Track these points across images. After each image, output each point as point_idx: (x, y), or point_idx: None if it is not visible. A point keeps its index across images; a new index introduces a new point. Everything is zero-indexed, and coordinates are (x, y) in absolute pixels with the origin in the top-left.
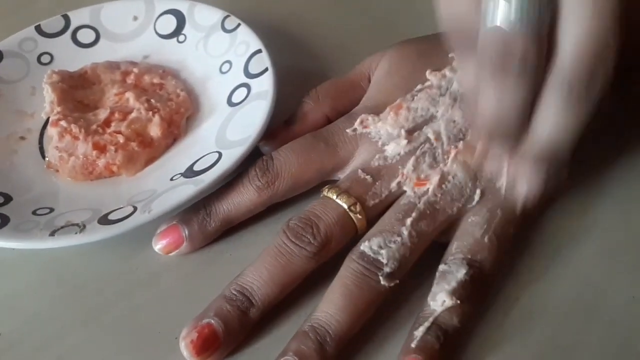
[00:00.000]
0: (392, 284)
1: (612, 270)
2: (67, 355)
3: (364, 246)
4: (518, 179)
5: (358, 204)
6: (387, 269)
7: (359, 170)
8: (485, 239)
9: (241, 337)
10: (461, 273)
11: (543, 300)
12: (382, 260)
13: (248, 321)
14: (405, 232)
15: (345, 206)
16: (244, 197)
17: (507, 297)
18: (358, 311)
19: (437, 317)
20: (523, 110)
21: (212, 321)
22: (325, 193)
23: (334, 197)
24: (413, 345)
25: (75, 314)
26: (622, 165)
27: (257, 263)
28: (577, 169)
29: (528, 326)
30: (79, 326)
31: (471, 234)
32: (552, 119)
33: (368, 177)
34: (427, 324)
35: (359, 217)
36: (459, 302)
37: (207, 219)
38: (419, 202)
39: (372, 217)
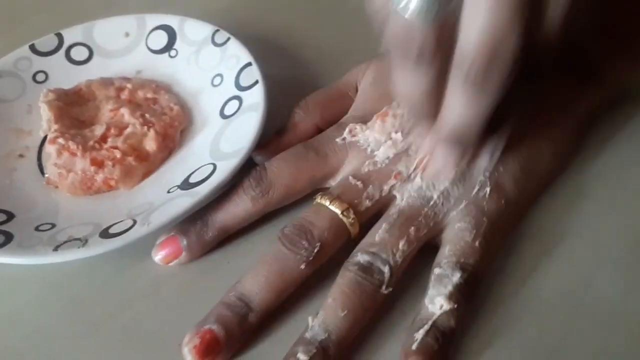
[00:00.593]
0: (387, 291)
1: (602, 265)
2: None
3: (360, 257)
4: (430, 158)
5: (350, 209)
6: (382, 278)
7: (350, 177)
8: (477, 244)
9: (242, 341)
10: (456, 277)
11: (532, 296)
12: (377, 269)
13: (248, 326)
14: (399, 243)
15: (338, 212)
16: (240, 207)
17: (497, 294)
18: (357, 318)
19: (435, 320)
20: (428, 94)
21: (214, 327)
22: (318, 200)
23: (327, 203)
24: (414, 347)
25: (79, 325)
26: (608, 161)
27: (254, 270)
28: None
29: (518, 322)
30: (83, 337)
31: (462, 238)
32: (455, 105)
33: (359, 182)
34: (427, 327)
35: (352, 221)
36: (456, 305)
37: (204, 229)
38: (408, 210)
39: (365, 221)
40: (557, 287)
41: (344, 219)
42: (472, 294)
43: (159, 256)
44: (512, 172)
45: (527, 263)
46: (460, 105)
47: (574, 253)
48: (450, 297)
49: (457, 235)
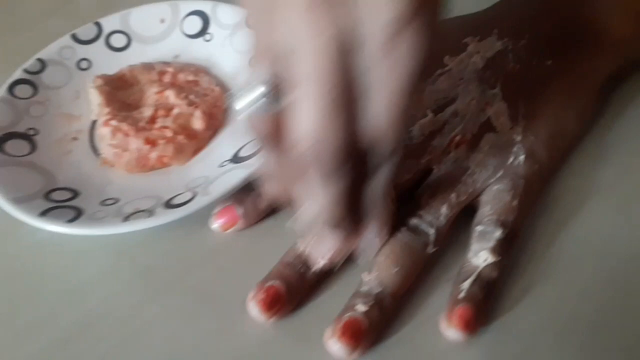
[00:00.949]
0: (433, 250)
1: (624, 220)
2: (146, 327)
3: (408, 219)
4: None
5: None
6: (428, 238)
7: None
8: (514, 203)
9: (302, 295)
10: (497, 233)
11: (562, 249)
12: (423, 231)
13: (306, 282)
14: (442, 207)
15: None
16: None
17: (531, 248)
18: (407, 273)
19: (480, 272)
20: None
21: (276, 283)
22: None
23: None
24: (461, 296)
25: (148, 290)
26: (628, 124)
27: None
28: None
29: (551, 273)
30: (153, 301)
31: (501, 199)
32: (311, 202)
33: None
34: (472, 278)
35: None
36: (498, 258)
37: (259, 198)
38: (448, 178)
39: (404, 192)
40: (584, 241)
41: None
42: (510, 248)
43: (216, 224)
44: (542, 139)
45: (556, 219)
46: (315, 192)
47: (599, 211)
48: (493, 250)
49: (496, 196)
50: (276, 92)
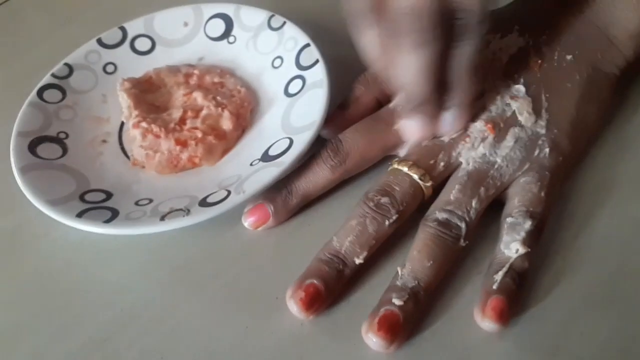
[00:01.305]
0: (464, 244)
1: None
2: (181, 325)
3: (438, 214)
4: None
5: (427, 174)
6: (460, 232)
7: (425, 141)
8: (542, 194)
9: (338, 291)
10: (527, 224)
11: (588, 238)
12: (455, 225)
13: (344, 278)
14: (472, 201)
15: (416, 177)
16: (320, 176)
17: (558, 237)
18: (440, 267)
19: (512, 263)
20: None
21: (315, 281)
22: (395, 166)
23: (405, 169)
24: (494, 287)
25: (182, 289)
26: None
27: (344, 230)
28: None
29: (578, 261)
30: (189, 298)
31: (529, 190)
32: (398, 70)
33: (431, 147)
34: (505, 269)
35: (428, 185)
36: (529, 249)
37: (289, 196)
38: (476, 172)
39: (438, 183)
40: (610, 230)
41: (421, 183)
42: (539, 238)
43: (248, 221)
44: (565, 131)
45: (582, 210)
46: (404, 62)
47: (623, 201)
48: (524, 242)
49: (524, 188)
50: None
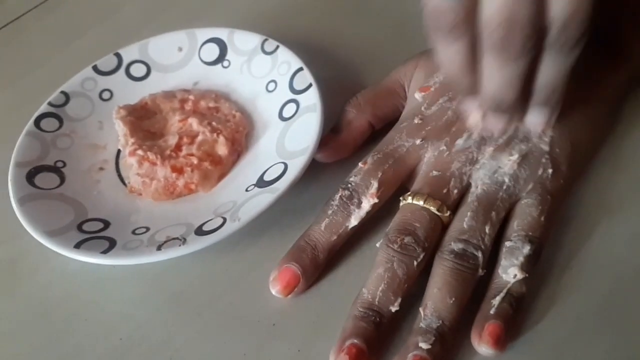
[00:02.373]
0: (483, 273)
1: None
2: (180, 353)
3: (454, 245)
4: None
5: (443, 205)
6: (477, 262)
7: (433, 171)
8: (542, 218)
9: (380, 344)
10: (526, 249)
11: (585, 260)
12: (471, 255)
13: (383, 330)
14: (485, 228)
15: (434, 209)
16: (341, 223)
17: (554, 260)
18: (462, 302)
19: (509, 288)
20: (466, 67)
21: (356, 341)
22: (409, 201)
23: (421, 203)
24: (492, 312)
25: (181, 315)
26: None
27: (373, 279)
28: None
29: (572, 285)
30: (187, 326)
31: (529, 214)
32: (489, 74)
33: (441, 176)
34: (502, 294)
35: (447, 215)
36: (527, 275)
37: (315, 252)
38: (486, 196)
39: (454, 210)
40: (606, 251)
41: (440, 214)
42: (537, 263)
43: (277, 289)
44: (566, 152)
45: (577, 230)
46: (493, 74)
47: (618, 220)
48: (522, 267)
49: (525, 211)
50: None
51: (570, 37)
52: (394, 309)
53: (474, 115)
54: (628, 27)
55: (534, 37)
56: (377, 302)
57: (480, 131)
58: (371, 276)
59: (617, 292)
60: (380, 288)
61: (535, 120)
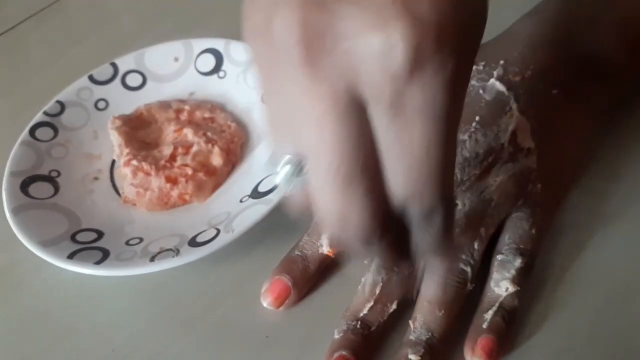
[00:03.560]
0: (472, 287)
1: (634, 244)
2: None
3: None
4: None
5: None
6: (466, 277)
7: None
8: (533, 231)
9: (369, 355)
10: (518, 262)
11: (576, 274)
12: (460, 269)
13: (371, 343)
14: (474, 244)
15: None
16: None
17: (546, 272)
18: (451, 314)
19: (502, 302)
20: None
21: (344, 353)
22: None
23: None
24: (484, 326)
25: (174, 326)
26: (630, 151)
27: (361, 293)
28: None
29: (565, 298)
30: (180, 337)
31: (520, 227)
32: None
33: None
34: (495, 308)
35: None
36: (519, 288)
37: (306, 263)
38: (473, 213)
39: None
40: (598, 264)
41: None
42: (529, 276)
43: (268, 300)
44: (555, 166)
45: (569, 243)
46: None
47: (610, 233)
48: (514, 280)
49: (516, 224)
50: (301, 170)
51: (431, 211)
52: (381, 319)
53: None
54: (613, 43)
55: (383, 225)
56: (365, 315)
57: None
58: (360, 289)
59: (611, 306)
60: (368, 301)
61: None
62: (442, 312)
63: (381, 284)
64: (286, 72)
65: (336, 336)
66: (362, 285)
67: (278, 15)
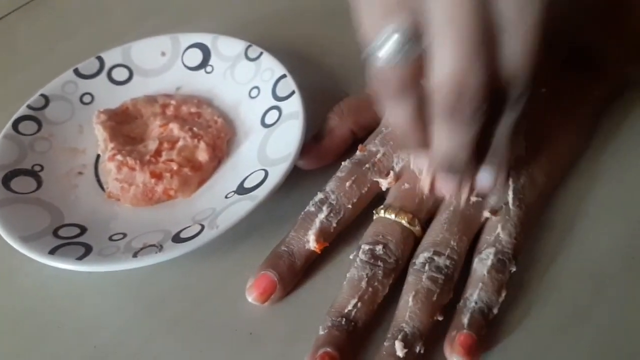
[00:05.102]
0: (453, 285)
1: (618, 243)
2: (157, 359)
3: (427, 256)
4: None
5: (415, 218)
6: (450, 272)
7: (405, 184)
8: (515, 230)
9: (354, 353)
10: (498, 259)
11: (557, 271)
12: (444, 265)
13: (356, 338)
14: (458, 239)
15: (405, 222)
16: (318, 232)
17: (528, 271)
18: (432, 310)
19: (481, 298)
20: (412, 127)
21: (329, 349)
22: (382, 215)
23: (393, 216)
24: (463, 323)
25: (158, 323)
26: (618, 148)
27: (346, 288)
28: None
29: (547, 295)
30: (163, 334)
31: (502, 225)
32: (439, 138)
33: (410, 186)
34: (474, 304)
35: (418, 229)
36: (497, 285)
37: (292, 258)
38: (459, 208)
39: (426, 224)
40: (581, 262)
41: (411, 228)
42: (509, 271)
43: (253, 296)
44: (542, 165)
45: (553, 241)
46: (443, 138)
47: (595, 231)
48: (494, 277)
49: (498, 222)
50: (413, 39)
51: (522, 94)
52: (366, 317)
53: (425, 177)
54: (605, 42)
55: (486, 103)
56: (349, 311)
57: (432, 192)
58: (344, 285)
59: (593, 303)
60: (352, 297)
61: (486, 179)
62: (425, 308)
63: (366, 279)
64: None
65: (321, 332)
66: (347, 281)
67: None
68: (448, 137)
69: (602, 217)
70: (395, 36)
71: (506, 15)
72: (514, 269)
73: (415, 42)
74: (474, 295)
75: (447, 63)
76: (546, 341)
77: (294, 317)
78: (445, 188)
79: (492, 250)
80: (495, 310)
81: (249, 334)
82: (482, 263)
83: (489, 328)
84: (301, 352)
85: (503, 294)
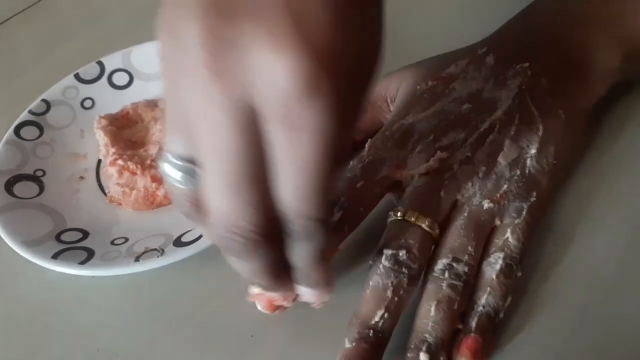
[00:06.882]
0: (470, 291)
1: (619, 247)
2: None
3: (443, 264)
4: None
5: (434, 222)
6: (468, 278)
7: (421, 186)
8: (521, 233)
9: None
10: (504, 263)
11: (559, 275)
12: (462, 271)
13: (382, 349)
14: (471, 248)
15: (425, 226)
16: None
17: (532, 272)
18: (453, 319)
19: (488, 302)
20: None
21: None
22: (401, 217)
23: (413, 219)
24: (470, 326)
25: (160, 327)
26: (619, 147)
27: (369, 298)
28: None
29: (548, 299)
30: (165, 337)
31: (509, 229)
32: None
33: (428, 185)
34: (481, 308)
35: (437, 232)
36: (505, 288)
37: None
38: (475, 212)
39: (444, 226)
40: (582, 266)
41: (431, 231)
42: (516, 275)
43: (263, 303)
44: (544, 168)
45: (554, 245)
46: (238, 267)
47: (596, 235)
48: (500, 281)
49: (505, 225)
50: (190, 168)
51: (308, 226)
52: (392, 328)
53: (253, 290)
54: (601, 39)
55: (269, 232)
56: (376, 322)
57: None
58: (368, 294)
59: (595, 306)
60: (379, 308)
61: (309, 296)
62: (446, 316)
63: (391, 288)
64: (189, 72)
65: (347, 345)
66: (371, 290)
67: (183, 17)
68: (238, 267)
69: (602, 218)
70: (171, 160)
71: (276, 147)
72: (520, 274)
73: (193, 172)
74: (482, 299)
75: (215, 197)
76: (550, 345)
77: (295, 320)
78: (268, 302)
79: (501, 254)
80: (501, 315)
81: (250, 336)
82: (491, 267)
83: (495, 332)
84: (303, 355)
85: (509, 299)
